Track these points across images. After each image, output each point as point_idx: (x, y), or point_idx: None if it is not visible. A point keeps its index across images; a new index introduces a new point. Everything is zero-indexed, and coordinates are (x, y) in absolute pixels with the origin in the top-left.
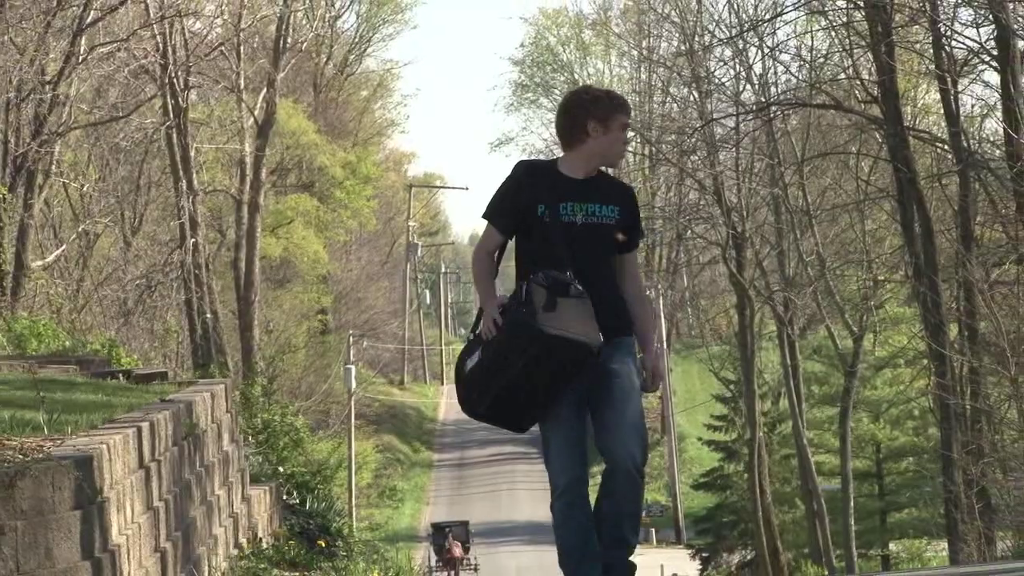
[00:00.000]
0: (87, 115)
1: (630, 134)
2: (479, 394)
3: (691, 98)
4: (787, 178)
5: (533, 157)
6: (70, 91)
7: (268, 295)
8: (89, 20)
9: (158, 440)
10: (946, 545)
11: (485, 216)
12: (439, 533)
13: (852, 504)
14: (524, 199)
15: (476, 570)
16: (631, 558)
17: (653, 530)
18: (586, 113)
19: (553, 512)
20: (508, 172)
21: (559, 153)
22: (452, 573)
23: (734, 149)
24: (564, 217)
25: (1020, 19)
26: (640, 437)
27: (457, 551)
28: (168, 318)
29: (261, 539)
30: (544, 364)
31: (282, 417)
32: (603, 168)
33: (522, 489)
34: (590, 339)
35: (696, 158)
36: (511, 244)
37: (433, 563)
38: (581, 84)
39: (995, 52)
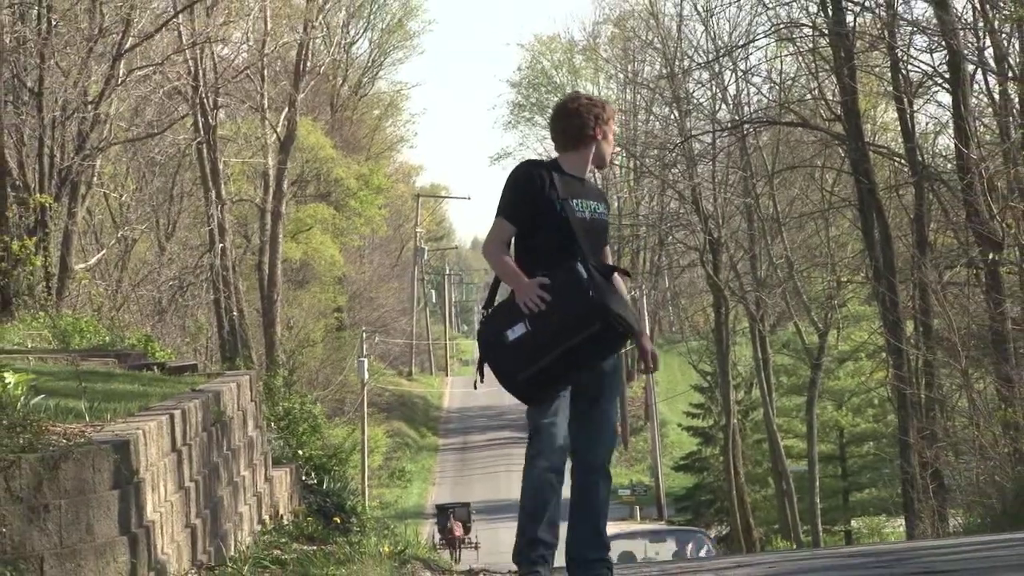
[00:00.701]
0: (125, 132)
1: (616, 148)
2: (524, 364)
3: (672, 116)
4: (759, 189)
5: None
6: (110, 110)
7: (289, 295)
8: (127, 46)
9: (189, 426)
10: (903, 522)
11: (500, 210)
12: (443, 514)
13: (818, 484)
14: (541, 195)
15: (477, 548)
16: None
17: (637, 507)
18: (596, 120)
19: (528, 476)
20: (515, 171)
21: None
22: (454, 551)
23: (711, 163)
24: (579, 213)
25: (970, 45)
26: (612, 439)
27: (458, 531)
28: (199, 316)
29: (282, 516)
30: (598, 339)
31: (301, 405)
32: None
33: (519, 471)
34: (634, 321)
35: (676, 171)
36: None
37: (437, 541)
38: (572, 92)
39: (947, 75)
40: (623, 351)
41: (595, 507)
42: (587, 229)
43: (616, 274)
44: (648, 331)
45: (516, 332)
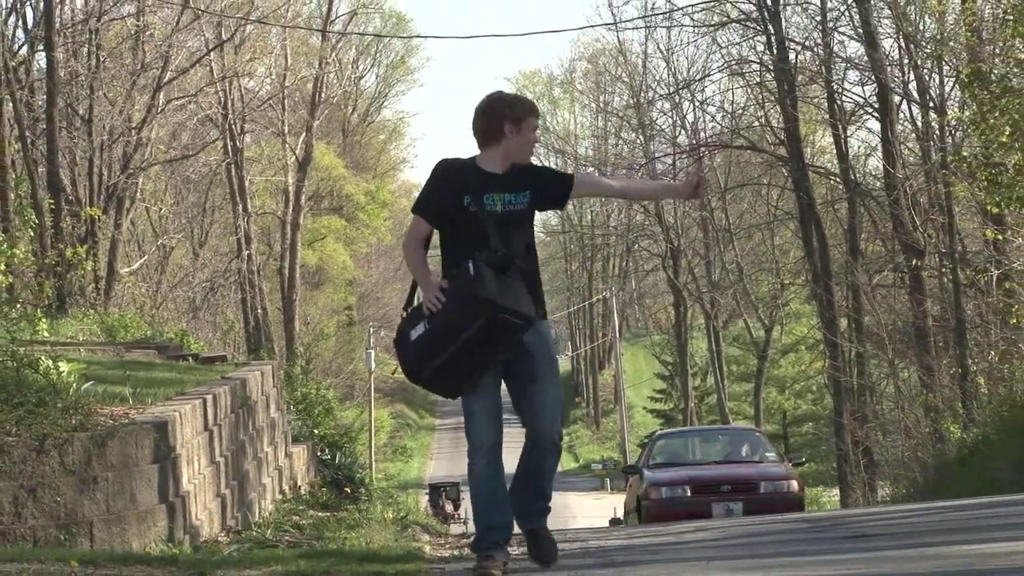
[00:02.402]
0: (164, 154)
1: (590, 169)
2: (424, 361)
3: (638, 141)
4: (713, 204)
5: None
6: (151, 135)
7: (306, 295)
8: (166, 79)
9: (219, 408)
10: (838, 492)
11: (415, 209)
12: (435, 492)
13: None
14: (451, 193)
15: (465, 523)
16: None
17: (608, 479)
18: (503, 117)
19: (472, 470)
20: (433, 169)
21: None
22: (444, 525)
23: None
24: (488, 207)
25: (896, 79)
26: (560, 412)
27: (448, 508)
28: (228, 313)
29: (300, 487)
30: (491, 334)
31: (317, 391)
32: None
33: (505, 447)
34: (528, 311)
35: None
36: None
37: (430, 515)
38: (492, 92)
39: (876, 105)
40: (551, 332)
41: (540, 476)
42: (499, 222)
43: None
44: (617, 328)
45: (418, 331)
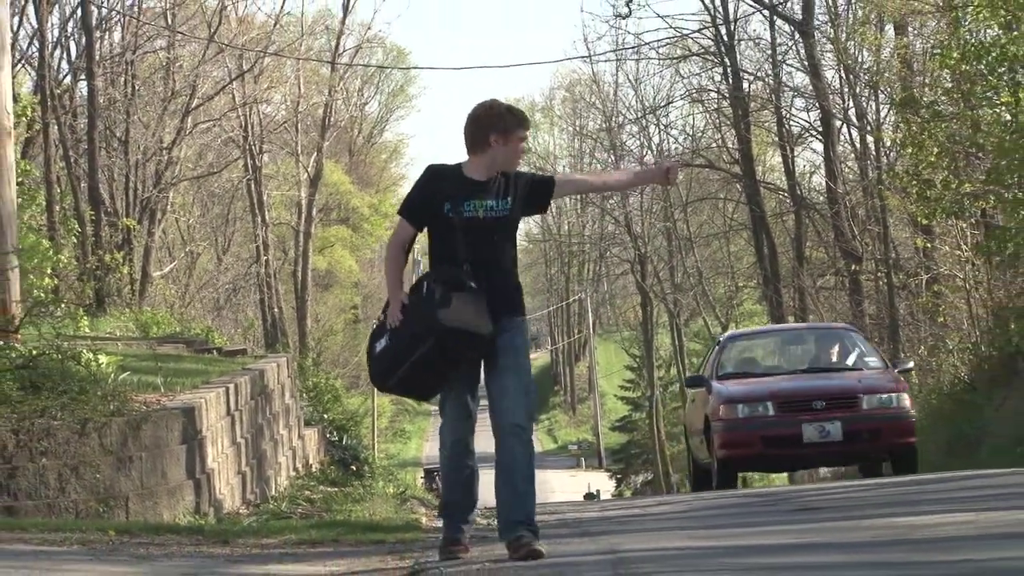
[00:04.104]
0: (192, 171)
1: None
2: (386, 373)
3: (610, 160)
4: (676, 215)
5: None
6: (180, 154)
7: (317, 296)
8: (193, 105)
9: (240, 396)
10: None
11: (400, 212)
12: (429, 475)
13: None
14: (433, 198)
15: None
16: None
17: (583, 459)
18: (490, 127)
19: (442, 453)
20: (420, 174)
21: None
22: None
23: (639, 195)
24: (467, 213)
25: (838, 105)
26: (526, 403)
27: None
28: (248, 312)
29: (311, 465)
30: (443, 351)
31: (326, 380)
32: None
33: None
34: (481, 329)
35: (613, 201)
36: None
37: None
38: (488, 99)
39: (820, 129)
40: (526, 326)
41: (512, 468)
42: (475, 227)
43: (513, 271)
44: (591, 325)
45: (380, 344)
